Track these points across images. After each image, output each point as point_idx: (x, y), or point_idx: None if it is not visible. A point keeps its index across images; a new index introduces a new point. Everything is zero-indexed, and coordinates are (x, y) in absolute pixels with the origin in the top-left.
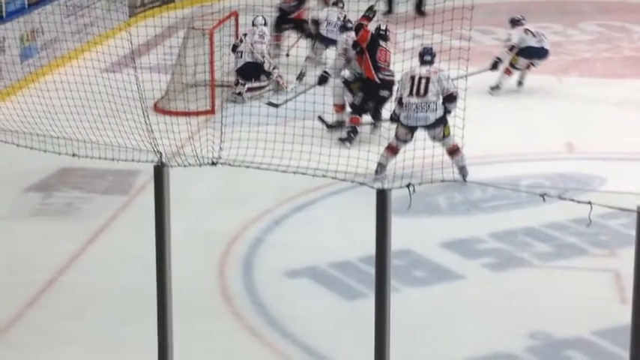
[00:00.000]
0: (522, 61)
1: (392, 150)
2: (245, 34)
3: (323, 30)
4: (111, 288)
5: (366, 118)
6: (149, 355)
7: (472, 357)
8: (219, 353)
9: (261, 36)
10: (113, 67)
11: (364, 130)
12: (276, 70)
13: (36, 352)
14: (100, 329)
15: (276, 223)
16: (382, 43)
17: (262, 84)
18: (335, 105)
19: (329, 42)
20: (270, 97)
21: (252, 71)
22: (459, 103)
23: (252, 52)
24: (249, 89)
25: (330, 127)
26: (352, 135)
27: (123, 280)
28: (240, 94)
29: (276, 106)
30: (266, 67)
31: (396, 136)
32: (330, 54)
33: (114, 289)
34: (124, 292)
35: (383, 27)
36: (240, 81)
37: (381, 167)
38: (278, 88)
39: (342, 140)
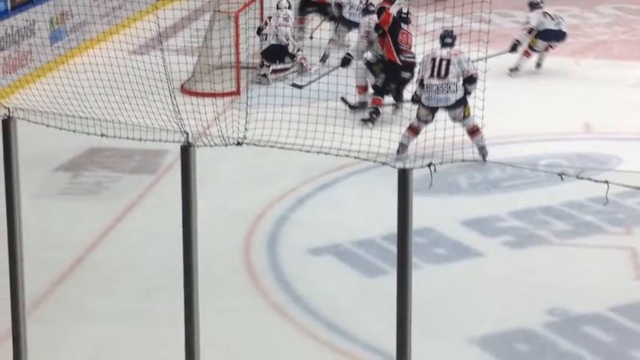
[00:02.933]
0: (541, 44)
1: (413, 130)
2: (270, 17)
3: (346, 13)
4: (139, 265)
5: (388, 99)
6: (176, 330)
7: (491, 333)
8: (245, 329)
9: (286, 19)
10: (141, 50)
11: (386, 110)
12: (300, 53)
13: (65, 328)
14: (128, 305)
15: (300, 202)
16: (404, 25)
17: (287, 66)
18: (357, 86)
19: (352, 25)
20: (294, 79)
21: (276, 53)
22: (479, 84)
23: (277, 35)
24: (274, 71)
25: (352, 107)
26: (374, 116)
27: (150, 257)
28: (265, 75)
29: (300, 87)
30: (290, 49)
31: (418, 117)
32: (353, 36)
33: (141, 266)
34: (152, 269)
35: (404, 10)
36: (265, 63)
37: (402, 147)
38: (302, 69)
39: (364, 121)
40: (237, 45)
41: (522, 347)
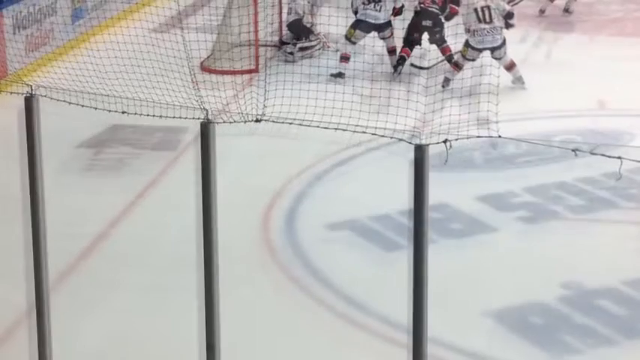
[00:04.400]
0: None
1: (457, 67)
2: None
3: None
4: (160, 240)
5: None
6: (196, 303)
7: (506, 306)
8: (264, 302)
9: None
10: (161, 28)
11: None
12: (315, 28)
13: (89, 300)
14: (149, 279)
15: (318, 178)
16: None
17: (312, 43)
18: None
19: None
20: (319, 56)
21: (300, 28)
22: (495, 70)
23: (296, 9)
24: (301, 49)
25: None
26: (400, 64)
27: (171, 232)
28: (292, 53)
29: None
30: (304, 21)
31: (464, 57)
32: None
33: (162, 240)
34: (172, 243)
35: None
36: (292, 40)
37: (447, 81)
38: (322, 46)
39: (394, 67)
40: (255, 23)
41: (536, 320)
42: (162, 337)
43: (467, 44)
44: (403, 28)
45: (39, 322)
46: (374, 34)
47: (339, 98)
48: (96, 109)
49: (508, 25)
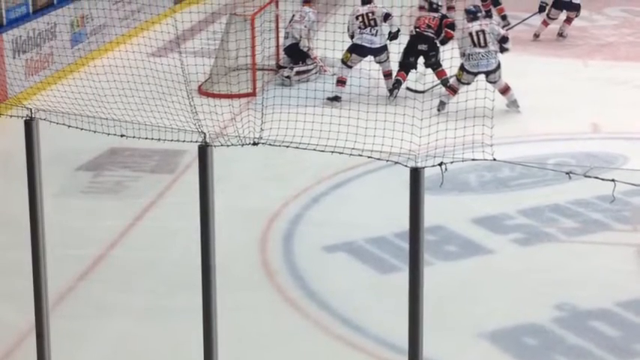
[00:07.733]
0: (554, 12)
1: (453, 90)
2: (293, 16)
3: None
4: (158, 262)
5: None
6: (194, 325)
7: (501, 327)
8: (261, 324)
9: (302, 16)
10: (159, 52)
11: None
12: (312, 52)
13: (87, 323)
14: (148, 301)
15: (315, 201)
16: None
17: (309, 67)
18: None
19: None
20: (316, 80)
21: (297, 52)
22: (489, 94)
23: (293, 34)
24: (298, 73)
25: (416, 92)
26: (396, 88)
27: (169, 254)
28: (288, 77)
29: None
30: (300, 45)
31: (459, 81)
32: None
33: (161, 263)
34: (171, 266)
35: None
36: (289, 64)
37: (442, 105)
38: (319, 70)
39: (390, 91)
40: (252, 47)
41: (531, 341)
42: (160, 358)
43: (462, 68)
44: (399, 52)
45: (38, 343)
46: (370, 58)
47: (335, 122)
48: (95, 132)
49: (503, 49)
